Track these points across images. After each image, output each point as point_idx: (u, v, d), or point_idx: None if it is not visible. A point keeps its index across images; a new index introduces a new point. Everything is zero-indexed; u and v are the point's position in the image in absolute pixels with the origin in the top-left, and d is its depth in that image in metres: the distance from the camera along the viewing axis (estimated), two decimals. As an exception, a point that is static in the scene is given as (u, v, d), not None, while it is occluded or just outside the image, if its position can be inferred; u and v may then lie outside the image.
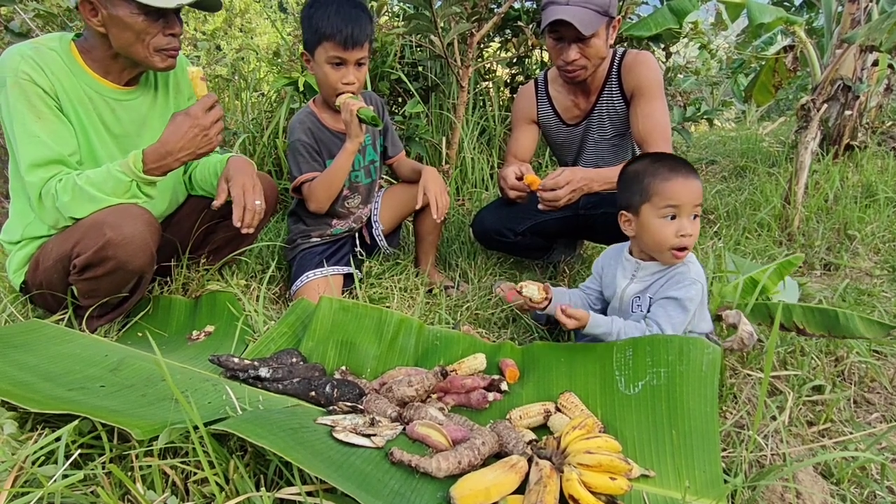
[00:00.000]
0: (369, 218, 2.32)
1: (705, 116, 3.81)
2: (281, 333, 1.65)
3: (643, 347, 1.35)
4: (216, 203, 1.78)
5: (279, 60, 3.68)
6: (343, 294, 2.17)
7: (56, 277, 1.68)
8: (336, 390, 1.35)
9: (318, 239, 2.19)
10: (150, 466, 1.07)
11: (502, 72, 4.26)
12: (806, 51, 3.96)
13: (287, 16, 4.22)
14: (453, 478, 1.05)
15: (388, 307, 1.91)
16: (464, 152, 3.48)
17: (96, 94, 1.70)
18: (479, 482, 1.02)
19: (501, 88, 4.12)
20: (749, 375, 1.58)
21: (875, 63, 4.20)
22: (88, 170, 1.61)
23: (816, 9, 5.11)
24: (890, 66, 4.36)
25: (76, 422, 1.12)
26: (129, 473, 1.09)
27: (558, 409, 1.34)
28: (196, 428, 1.03)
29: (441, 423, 1.20)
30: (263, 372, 1.42)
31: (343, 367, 1.55)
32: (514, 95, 3.19)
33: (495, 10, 3.24)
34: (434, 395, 1.41)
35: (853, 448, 1.34)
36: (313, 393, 1.35)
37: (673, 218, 1.47)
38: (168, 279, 2.05)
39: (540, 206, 1.99)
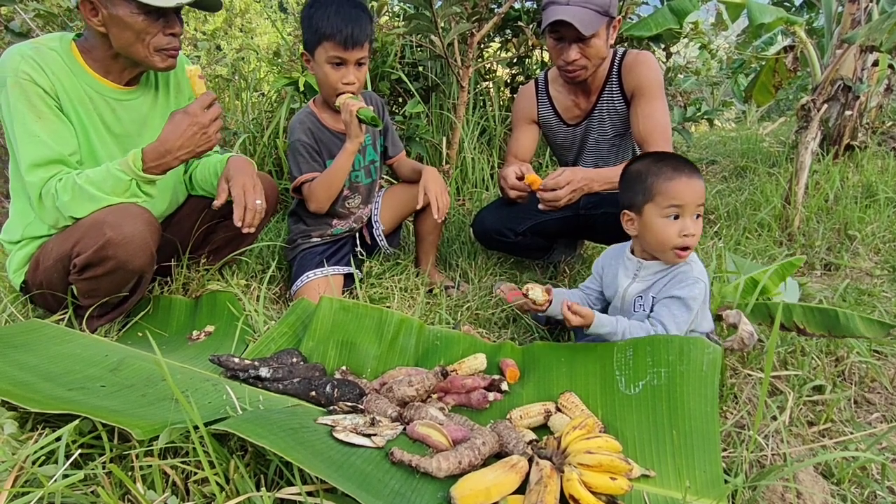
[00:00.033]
0: (370, 218, 2.32)
1: (705, 116, 3.81)
2: (281, 333, 1.65)
3: (644, 347, 1.35)
4: (217, 203, 1.78)
5: (279, 60, 3.68)
6: (343, 294, 2.17)
7: (56, 277, 1.68)
8: (336, 390, 1.35)
9: (319, 239, 2.19)
10: (150, 466, 1.07)
11: (503, 72, 4.26)
12: (806, 51, 3.96)
13: (287, 16, 4.22)
14: (454, 478, 1.05)
15: (388, 307, 1.91)
16: (464, 152, 3.48)
17: (97, 94, 1.70)
18: (480, 482, 1.02)
19: (502, 88, 4.12)
20: (749, 375, 1.58)
21: (875, 63, 4.20)
22: (88, 169, 1.61)
23: (817, 9, 5.11)
24: (890, 66, 4.36)
25: (76, 422, 1.12)
26: (130, 473, 1.09)
27: (559, 409, 1.33)
28: (196, 428, 1.03)
29: (441, 423, 1.20)
30: (264, 372, 1.41)
31: (343, 367, 1.55)
32: (515, 95, 3.19)
33: (496, 11, 3.24)
34: (434, 395, 1.41)
35: (854, 448, 1.34)
36: (314, 393, 1.35)
37: (676, 217, 1.47)
38: (168, 279, 2.05)
39: (540, 206, 1.99)
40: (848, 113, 4.22)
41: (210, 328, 1.80)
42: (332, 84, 1.92)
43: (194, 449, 1.07)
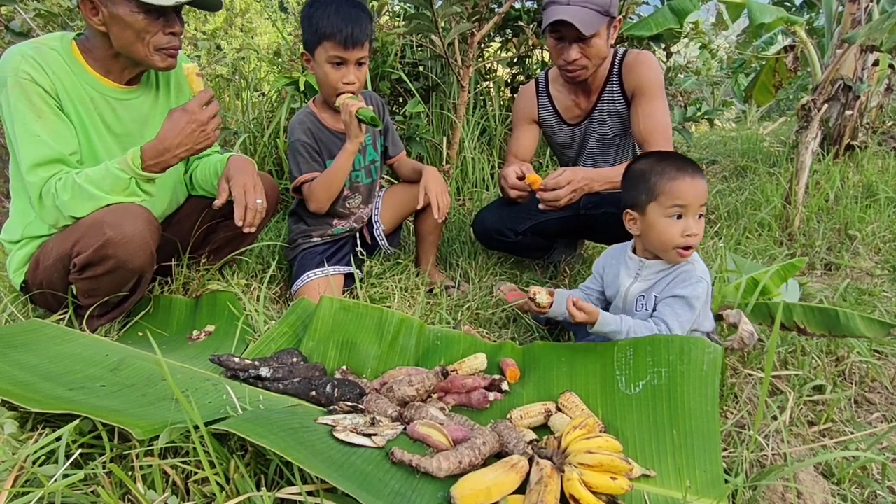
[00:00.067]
0: (370, 218, 2.32)
1: (706, 116, 3.81)
2: (281, 333, 1.65)
3: (644, 347, 1.35)
4: (218, 202, 1.78)
5: (280, 60, 3.68)
6: (344, 294, 2.17)
7: (56, 276, 1.68)
8: (337, 390, 1.35)
9: (319, 239, 2.19)
10: (150, 466, 1.07)
11: (503, 71, 4.26)
12: (806, 51, 3.96)
13: (287, 15, 4.22)
14: (454, 477, 1.05)
15: (388, 307, 1.91)
16: (464, 152, 3.48)
17: (97, 94, 1.70)
18: (480, 482, 1.02)
19: (502, 88, 4.12)
20: (750, 375, 1.58)
21: (875, 63, 4.20)
22: (88, 168, 1.61)
23: (817, 9, 5.11)
24: (890, 66, 4.36)
25: (77, 421, 1.12)
26: (130, 473, 1.09)
27: (559, 409, 1.33)
28: (196, 427, 1.03)
29: (442, 423, 1.20)
30: (264, 372, 1.41)
31: (344, 367, 1.55)
32: (515, 95, 3.19)
33: (496, 10, 3.23)
34: (435, 395, 1.41)
35: (854, 448, 1.34)
36: (314, 393, 1.35)
37: (679, 217, 1.47)
38: (168, 279, 2.05)
39: (541, 206, 1.99)
40: (848, 113, 4.22)
41: (210, 328, 1.80)
42: (333, 84, 1.92)
43: (194, 449, 1.07)
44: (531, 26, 3.55)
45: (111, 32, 1.60)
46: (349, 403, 1.30)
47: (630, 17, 3.54)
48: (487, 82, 4.16)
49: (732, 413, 1.45)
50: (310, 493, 1.01)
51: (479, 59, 3.69)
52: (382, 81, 3.40)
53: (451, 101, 3.62)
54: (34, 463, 1.07)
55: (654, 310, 1.53)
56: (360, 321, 1.64)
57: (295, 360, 1.50)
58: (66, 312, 1.75)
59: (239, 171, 1.79)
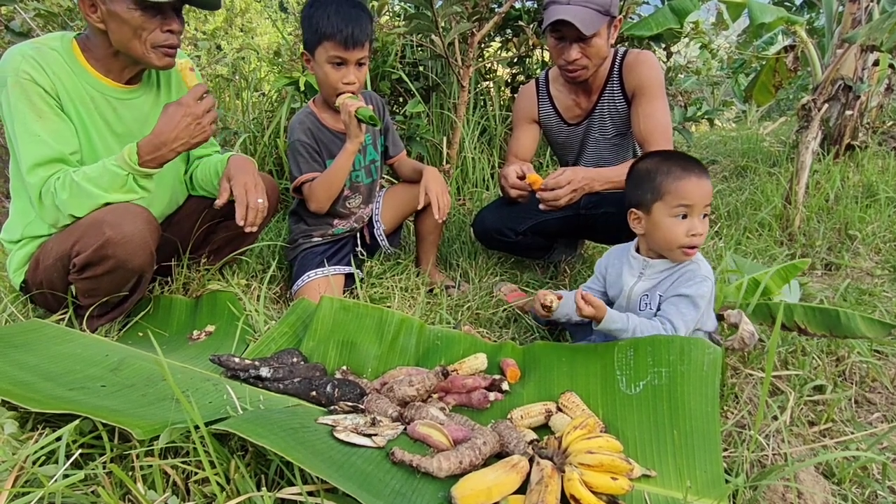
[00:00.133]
0: (370, 218, 2.32)
1: (706, 116, 3.81)
2: (282, 333, 1.65)
3: (644, 347, 1.35)
4: (219, 202, 1.78)
5: (280, 60, 3.68)
6: (344, 294, 2.17)
7: (56, 276, 1.68)
8: (337, 390, 1.35)
9: (320, 239, 2.19)
10: (150, 466, 1.07)
11: (503, 71, 4.26)
12: (807, 50, 3.95)
13: (288, 15, 4.22)
14: (454, 478, 1.05)
15: (388, 307, 1.91)
16: (465, 152, 3.48)
17: (98, 94, 1.70)
18: (481, 482, 1.02)
19: (502, 88, 4.12)
20: (750, 375, 1.58)
21: (876, 63, 4.20)
22: (86, 166, 1.61)
23: (817, 9, 5.11)
24: (891, 65, 4.36)
25: (77, 421, 1.11)
26: (130, 473, 1.09)
27: (559, 409, 1.33)
28: (197, 428, 1.02)
29: (442, 423, 1.20)
30: (264, 372, 1.41)
31: (344, 367, 1.55)
32: (515, 95, 3.19)
33: (496, 10, 3.23)
34: (435, 395, 1.41)
35: (854, 448, 1.34)
36: (314, 393, 1.35)
37: (684, 217, 1.47)
38: (169, 279, 2.05)
39: (541, 206, 1.99)
40: (848, 113, 4.22)
41: (210, 328, 1.80)
42: (333, 84, 1.92)
43: (195, 449, 1.07)
44: (531, 26, 3.55)
45: (109, 30, 1.60)
46: (349, 403, 1.30)
47: (630, 17, 3.54)
48: (487, 82, 4.16)
49: (733, 413, 1.45)
50: (310, 494, 1.01)
51: (480, 59, 3.69)
52: (383, 81, 3.40)
53: (451, 100, 3.62)
54: (34, 463, 1.06)
55: (658, 309, 1.53)
56: (361, 321, 1.64)
57: (295, 360, 1.50)
58: (66, 312, 1.74)
59: (240, 171, 1.79)
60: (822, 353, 1.70)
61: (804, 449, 1.34)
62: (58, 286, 1.70)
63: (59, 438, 1.08)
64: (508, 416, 1.32)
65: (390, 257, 2.44)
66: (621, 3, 3.34)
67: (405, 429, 1.22)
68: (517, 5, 3.61)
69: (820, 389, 1.56)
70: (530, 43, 3.60)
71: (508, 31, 3.91)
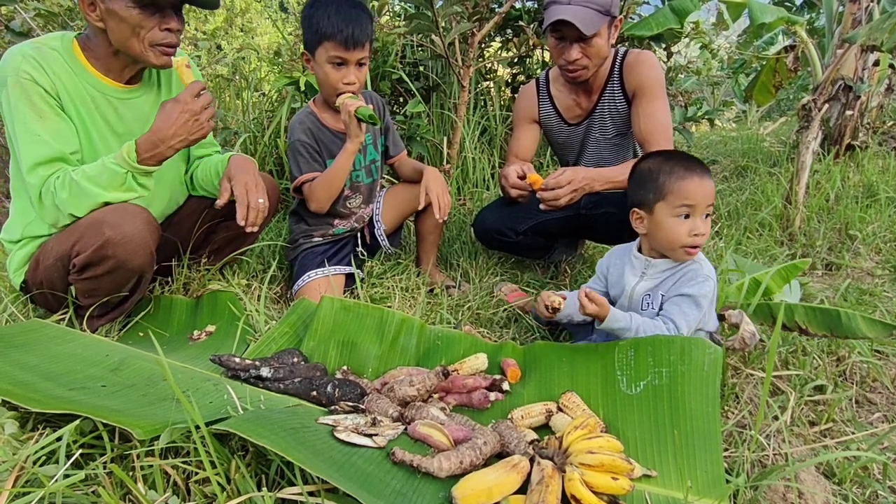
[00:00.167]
0: (371, 218, 2.32)
1: (706, 116, 3.81)
2: (282, 333, 1.65)
3: (645, 347, 1.35)
4: (220, 202, 1.78)
5: (280, 60, 3.68)
6: (344, 294, 2.17)
7: (56, 276, 1.68)
8: (337, 390, 1.35)
9: (320, 239, 2.19)
10: (151, 466, 1.07)
11: (503, 71, 4.26)
12: (807, 51, 3.96)
13: (288, 15, 4.22)
14: (455, 478, 1.05)
15: (389, 307, 1.91)
16: (465, 152, 3.48)
17: (99, 94, 1.70)
18: (481, 482, 1.02)
19: (502, 88, 4.12)
20: (751, 375, 1.58)
21: (876, 63, 4.20)
22: (85, 165, 1.61)
23: (817, 9, 5.11)
24: (891, 66, 4.36)
25: (77, 421, 1.11)
26: (131, 473, 1.09)
27: (560, 409, 1.33)
28: (197, 428, 1.02)
29: (443, 423, 1.20)
30: (265, 372, 1.41)
31: (344, 367, 1.55)
32: (516, 95, 3.19)
33: (496, 10, 3.23)
34: (435, 395, 1.41)
35: (855, 448, 1.34)
36: (315, 393, 1.35)
37: (687, 217, 1.47)
38: (169, 279, 2.05)
39: (541, 206, 1.99)
40: (849, 113, 4.22)
41: (211, 328, 1.80)
42: (333, 84, 1.92)
43: (195, 449, 1.07)
44: (532, 26, 3.55)
45: (108, 28, 1.60)
46: (350, 403, 1.30)
47: (631, 17, 3.55)
48: (488, 82, 4.16)
49: (733, 413, 1.45)
50: (311, 494, 1.01)
51: (480, 59, 3.69)
52: (383, 81, 3.40)
53: (451, 100, 3.62)
54: (35, 463, 1.06)
55: (660, 308, 1.53)
56: (361, 321, 1.64)
57: (296, 360, 1.50)
58: (66, 312, 1.74)
59: (240, 171, 1.79)
60: (823, 353, 1.70)
61: (805, 449, 1.34)
62: (58, 286, 1.70)
63: (59, 438, 1.08)
64: (509, 416, 1.32)
65: (391, 257, 2.44)
66: (622, 3, 3.34)
67: (406, 429, 1.22)
68: (517, 5, 3.61)
69: (820, 389, 1.56)
70: (531, 43, 3.60)
71: (509, 31, 3.91)
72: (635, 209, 1.57)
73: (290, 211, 2.32)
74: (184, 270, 2.04)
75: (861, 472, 1.26)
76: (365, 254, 2.30)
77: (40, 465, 1.06)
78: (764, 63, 4.65)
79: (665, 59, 4.01)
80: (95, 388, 1.32)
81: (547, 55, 4.03)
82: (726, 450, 1.29)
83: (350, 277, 2.17)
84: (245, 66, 4.27)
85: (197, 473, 1.08)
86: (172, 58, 1.68)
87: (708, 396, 1.22)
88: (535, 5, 3.68)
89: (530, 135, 2.37)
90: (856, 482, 1.24)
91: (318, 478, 1.01)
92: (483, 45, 4.01)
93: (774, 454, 1.30)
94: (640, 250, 1.64)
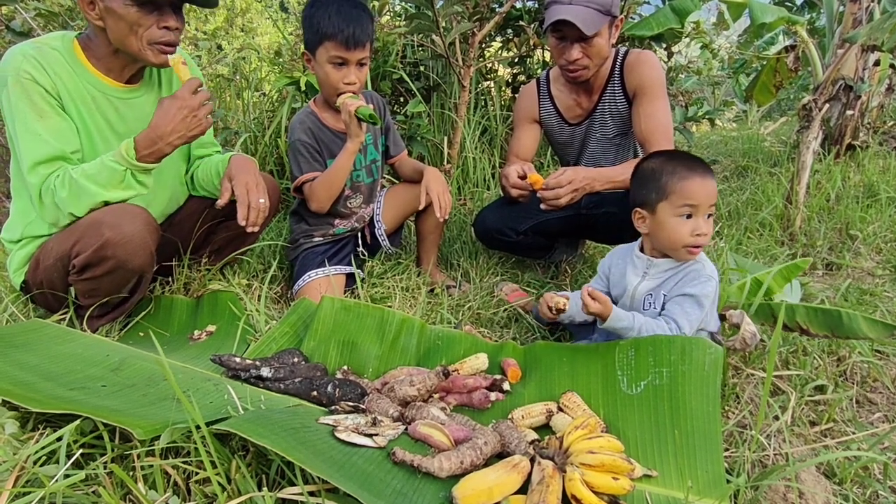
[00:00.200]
0: (371, 217, 2.32)
1: (707, 116, 3.81)
2: (282, 333, 1.65)
3: (645, 347, 1.35)
4: (220, 202, 1.78)
5: (280, 60, 3.68)
6: (345, 294, 2.17)
7: (56, 277, 1.68)
8: (338, 390, 1.35)
9: (321, 238, 2.19)
10: (151, 466, 1.07)
11: (504, 71, 4.26)
12: (808, 50, 3.95)
13: (288, 15, 4.22)
14: (455, 478, 1.05)
15: (389, 307, 1.91)
16: (465, 152, 3.48)
17: (99, 94, 1.70)
18: (482, 482, 1.02)
19: (503, 88, 4.12)
20: (752, 375, 1.58)
21: (877, 63, 4.19)
22: (85, 164, 1.61)
23: (818, 9, 5.10)
24: (891, 65, 4.36)
25: (77, 421, 1.11)
26: (131, 473, 1.09)
27: (560, 409, 1.33)
28: (198, 427, 1.02)
29: (443, 423, 1.20)
30: (265, 372, 1.41)
31: (345, 367, 1.55)
32: (516, 95, 3.19)
33: (497, 10, 3.23)
34: (436, 395, 1.41)
35: (856, 448, 1.34)
36: (315, 393, 1.35)
37: (689, 217, 1.47)
38: (170, 279, 2.05)
39: (542, 206, 1.99)
40: (849, 112, 4.22)
41: (211, 328, 1.80)
42: (334, 84, 1.92)
43: (196, 449, 1.07)
44: (532, 26, 3.55)
45: (107, 26, 1.59)
46: (350, 403, 1.30)
47: (631, 17, 3.55)
48: (488, 82, 4.16)
49: (734, 413, 1.45)
50: (311, 494, 1.01)
51: (480, 59, 3.69)
52: (383, 81, 3.40)
53: (452, 100, 3.62)
54: (35, 463, 1.06)
55: (662, 308, 1.53)
56: (362, 321, 1.64)
57: (296, 360, 1.50)
58: (66, 312, 1.74)
59: (241, 171, 1.79)
60: (823, 353, 1.70)
61: (805, 449, 1.34)
62: (58, 286, 1.70)
63: (59, 438, 1.08)
64: (509, 416, 1.32)
65: (391, 257, 2.44)
66: (622, 3, 3.34)
67: (406, 429, 1.22)
68: (518, 5, 3.61)
69: (821, 389, 1.56)
70: (531, 43, 3.60)
71: (509, 30, 3.91)
72: (638, 209, 1.57)
73: (290, 211, 2.32)
74: (184, 270, 2.04)
75: (862, 472, 1.26)
76: (365, 254, 2.30)
77: (41, 465, 1.06)
78: (764, 63, 4.64)
79: (666, 59, 4.01)
80: (96, 388, 1.32)
81: (547, 55, 4.03)
82: (727, 450, 1.29)
83: (350, 277, 2.17)
84: (245, 66, 4.27)
85: (197, 473, 1.08)
86: (169, 57, 1.68)
87: (708, 396, 1.22)
88: (536, 5, 3.68)
89: (531, 135, 2.37)
90: (856, 482, 1.24)
91: (318, 478, 1.01)
92: (483, 45, 4.01)
93: (775, 454, 1.30)
94: (642, 250, 1.63)
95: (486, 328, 1.96)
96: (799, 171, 2.88)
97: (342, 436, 1.12)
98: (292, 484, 1.02)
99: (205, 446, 1.03)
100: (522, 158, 2.32)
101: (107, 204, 1.61)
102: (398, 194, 2.32)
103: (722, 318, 1.59)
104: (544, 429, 1.32)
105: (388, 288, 2.17)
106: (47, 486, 0.98)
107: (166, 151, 1.61)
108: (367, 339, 1.61)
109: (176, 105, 1.58)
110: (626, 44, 3.53)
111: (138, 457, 1.09)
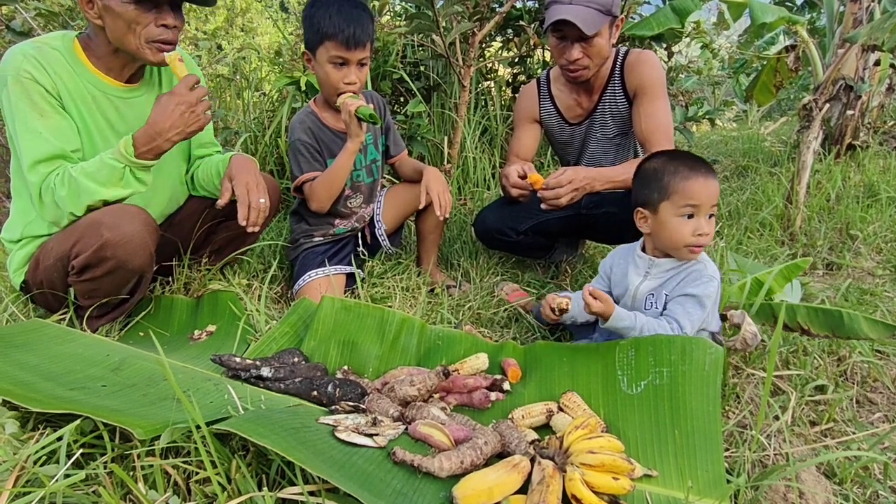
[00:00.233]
0: (372, 217, 2.32)
1: (707, 116, 3.80)
2: (283, 333, 1.65)
3: (646, 347, 1.35)
4: (221, 202, 1.78)
5: (281, 60, 3.68)
6: (345, 293, 2.17)
7: (56, 277, 1.68)
8: (338, 390, 1.35)
9: (321, 238, 2.19)
10: (151, 466, 1.07)
11: (504, 71, 4.26)
12: (808, 50, 3.95)
13: (288, 15, 4.22)
14: (456, 478, 1.05)
15: (390, 307, 1.91)
16: (466, 152, 3.48)
17: (100, 93, 1.70)
18: (482, 482, 1.02)
19: (503, 88, 4.12)
20: (752, 375, 1.58)
21: (877, 63, 4.20)
22: (84, 162, 1.60)
23: (818, 8, 5.10)
24: (892, 65, 4.36)
25: (78, 421, 1.11)
26: (131, 473, 1.09)
27: (560, 409, 1.33)
28: (198, 427, 1.02)
29: (443, 423, 1.20)
30: (265, 371, 1.41)
31: (345, 367, 1.55)
32: (516, 95, 3.19)
33: (497, 10, 3.23)
34: (436, 395, 1.41)
35: (856, 448, 1.34)
36: (315, 392, 1.35)
37: (690, 217, 1.47)
38: (170, 279, 2.05)
39: (542, 206, 1.99)
40: (850, 112, 4.22)
41: (211, 328, 1.80)
42: (334, 84, 1.92)
43: (196, 449, 1.07)
44: (532, 26, 3.55)
45: (105, 25, 1.59)
46: (351, 403, 1.30)
47: (631, 17, 3.55)
48: (489, 82, 4.16)
49: (734, 413, 1.45)
50: (311, 493, 1.01)
51: (481, 59, 3.69)
52: (384, 81, 3.40)
53: (452, 100, 3.62)
54: (35, 463, 1.06)
55: (663, 308, 1.53)
56: (362, 321, 1.64)
57: (296, 359, 1.50)
58: (66, 312, 1.74)
59: (241, 171, 1.79)
60: (824, 352, 1.70)
61: (806, 449, 1.34)
62: (58, 287, 1.70)
63: (59, 438, 1.08)
64: (510, 416, 1.32)
65: (391, 257, 2.44)
66: (623, 3, 3.34)
67: (406, 429, 1.22)
68: (518, 5, 3.61)
69: (821, 389, 1.56)
70: (531, 43, 3.60)
71: (509, 30, 3.91)
72: (639, 208, 1.57)
73: (290, 211, 2.32)
74: (184, 270, 2.04)
75: (862, 472, 1.26)
76: (365, 253, 2.30)
77: (41, 465, 1.06)
78: (765, 63, 4.64)
79: (666, 59, 4.01)
80: (96, 387, 1.32)
81: (548, 55, 4.03)
82: (727, 450, 1.29)
83: (351, 277, 2.17)
84: (246, 65, 4.27)
85: (197, 473, 1.08)
86: (165, 54, 1.67)
87: (709, 396, 1.22)
88: (536, 5, 3.68)
89: (531, 134, 2.36)
90: (856, 482, 1.24)
91: (318, 478, 1.01)
92: (484, 45, 4.01)
93: (775, 454, 1.30)
94: (644, 250, 1.63)
95: (486, 328, 1.96)
96: (799, 170, 2.88)
97: (342, 436, 1.12)
98: (292, 484, 1.02)
99: (205, 446, 1.03)
100: (523, 158, 2.32)
101: (106, 203, 1.61)
102: (398, 194, 2.32)
103: (723, 318, 1.59)
104: (544, 429, 1.32)
105: (389, 288, 2.17)
106: (47, 486, 0.98)
107: (165, 148, 1.61)
108: (368, 339, 1.61)
109: (174, 101, 1.58)
110: (627, 44, 3.53)
111: (138, 457, 1.09)
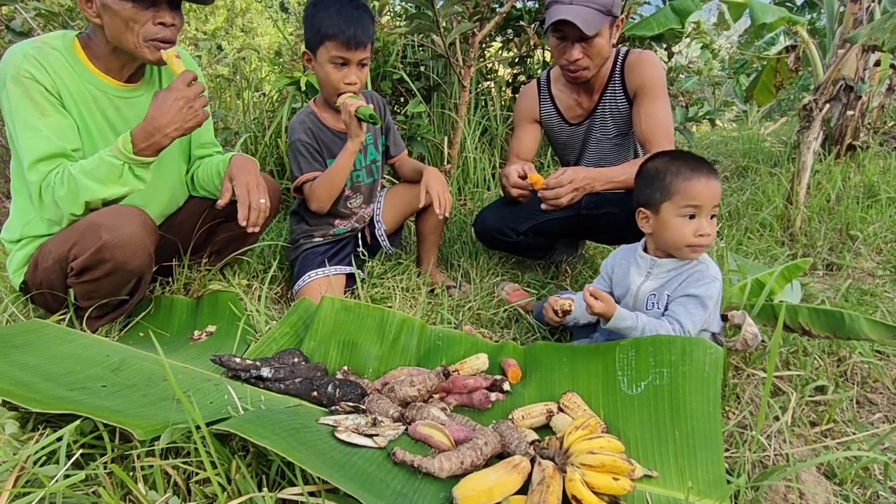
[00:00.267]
0: (372, 218, 2.32)
1: (707, 116, 3.81)
2: (283, 333, 1.65)
3: (646, 347, 1.35)
4: (221, 202, 1.78)
5: (281, 60, 3.68)
6: (345, 294, 2.17)
7: (55, 278, 1.68)
8: (338, 390, 1.34)
9: (321, 239, 2.19)
10: (151, 466, 1.07)
11: (504, 71, 4.26)
12: (808, 51, 3.96)
13: (288, 16, 4.22)
14: (456, 478, 1.05)
15: (390, 307, 1.91)
16: (466, 152, 3.48)
17: (100, 93, 1.70)
18: (482, 482, 1.02)
19: (503, 88, 4.12)
20: (752, 375, 1.57)
21: (877, 63, 4.20)
22: (83, 160, 1.60)
23: (819, 9, 5.11)
24: (892, 66, 4.36)
25: (78, 422, 1.11)
26: (131, 473, 1.09)
27: (561, 410, 1.33)
28: (198, 428, 1.02)
29: (443, 424, 1.20)
30: (265, 372, 1.41)
31: (345, 367, 1.55)
32: (516, 95, 3.19)
33: (497, 10, 3.23)
34: (436, 396, 1.41)
35: (856, 448, 1.34)
36: (315, 393, 1.35)
37: (692, 217, 1.47)
38: (170, 279, 2.05)
39: (542, 206, 1.99)
40: (850, 113, 4.22)
41: (211, 328, 1.80)
42: (334, 84, 1.92)
43: (196, 449, 1.07)
44: (532, 26, 3.55)
45: (104, 23, 1.59)
46: (351, 404, 1.30)
47: (632, 17, 3.55)
48: (489, 82, 4.16)
49: (734, 413, 1.45)
50: (311, 494, 1.01)
51: (481, 59, 3.69)
52: (384, 81, 3.40)
53: (452, 100, 3.62)
54: (35, 463, 1.06)
55: (665, 309, 1.53)
56: (362, 321, 1.64)
57: (296, 360, 1.50)
58: (66, 313, 1.74)
59: (242, 171, 1.79)
60: (824, 353, 1.70)
61: (806, 449, 1.34)
62: (57, 287, 1.70)
63: (59, 439, 1.08)
64: (510, 417, 1.32)
65: (391, 257, 2.44)
66: (623, 3, 3.34)
67: (406, 429, 1.22)
68: (518, 5, 3.61)
69: (821, 390, 1.56)
70: (531, 43, 3.60)
71: (510, 31, 3.91)
72: (641, 209, 1.57)
73: (290, 211, 2.32)
74: (184, 271, 2.04)
75: (862, 472, 1.26)
76: (365, 254, 2.30)
77: (41, 466, 1.06)
78: (765, 63, 4.64)
79: (666, 59, 4.01)
80: (96, 388, 1.32)
81: (548, 55, 4.03)
82: (727, 450, 1.29)
83: (351, 277, 2.17)
84: (246, 66, 4.27)
85: (197, 474, 1.08)
86: (163, 51, 1.67)
87: (709, 397, 1.22)
88: (536, 5, 3.68)
89: (531, 135, 2.37)
90: (857, 482, 1.24)
91: (318, 478, 1.01)
92: (484, 45, 4.01)
93: (775, 454, 1.30)
94: (645, 250, 1.63)
95: (486, 328, 1.96)
96: (799, 171, 2.88)
97: (342, 436, 1.12)
98: (292, 484, 1.02)
99: (205, 446, 1.03)
100: (523, 158, 2.32)
101: (105, 202, 1.61)
102: (398, 194, 2.32)
103: (724, 318, 1.59)
104: (544, 429, 1.32)
105: (389, 288, 2.17)
106: (47, 486, 0.98)
107: (164, 144, 1.60)
108: (368, 340, 1.61)
109: (171, 97, 1.57)
110: (627, 44, 3.53)
111: (138, 457, 1.09)
